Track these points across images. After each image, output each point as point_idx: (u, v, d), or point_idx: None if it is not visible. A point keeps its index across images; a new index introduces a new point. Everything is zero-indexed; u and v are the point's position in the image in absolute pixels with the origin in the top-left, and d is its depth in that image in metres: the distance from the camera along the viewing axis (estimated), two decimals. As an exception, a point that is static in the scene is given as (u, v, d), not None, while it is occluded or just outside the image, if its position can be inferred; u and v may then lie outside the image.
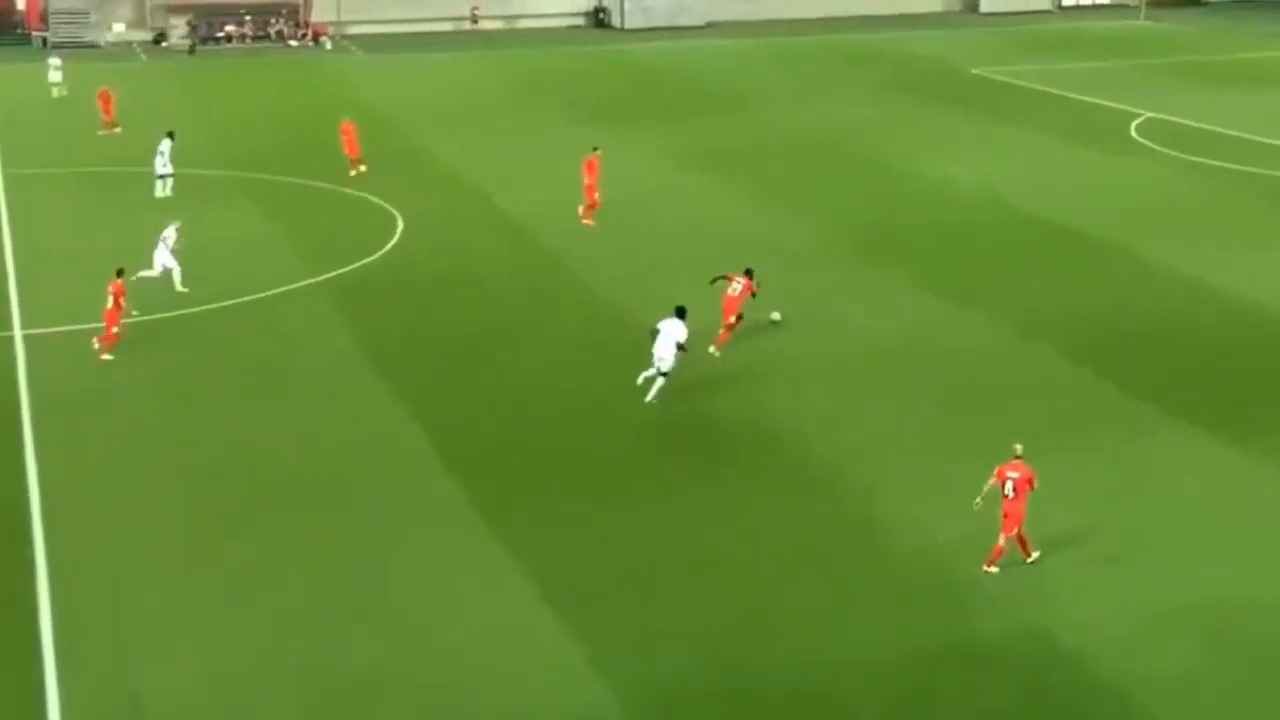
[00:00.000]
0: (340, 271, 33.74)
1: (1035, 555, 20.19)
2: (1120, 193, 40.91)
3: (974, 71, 62.61)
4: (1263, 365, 27.88)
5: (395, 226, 37.67)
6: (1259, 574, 20.07)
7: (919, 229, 37.32)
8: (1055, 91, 57.30)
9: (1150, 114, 51.93)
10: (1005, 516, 19.98)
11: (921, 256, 34.90)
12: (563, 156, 45.50)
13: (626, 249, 35.56)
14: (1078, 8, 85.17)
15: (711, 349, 27.96)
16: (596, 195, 37.45)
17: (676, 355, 25.48)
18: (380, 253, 35.39)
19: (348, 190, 41.57)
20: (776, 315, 29.82)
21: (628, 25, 77.91)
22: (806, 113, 53.14)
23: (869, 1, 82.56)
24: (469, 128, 51.04)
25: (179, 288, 31.59)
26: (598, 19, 79.67)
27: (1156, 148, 46.58)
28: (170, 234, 32.10)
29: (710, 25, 78.02)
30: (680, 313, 25.96)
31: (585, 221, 37.15)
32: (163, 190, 39.97)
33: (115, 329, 28.25)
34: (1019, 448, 20.29)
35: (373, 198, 40.63)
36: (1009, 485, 19.95)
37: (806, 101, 55.57)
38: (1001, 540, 20.07)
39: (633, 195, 40.11)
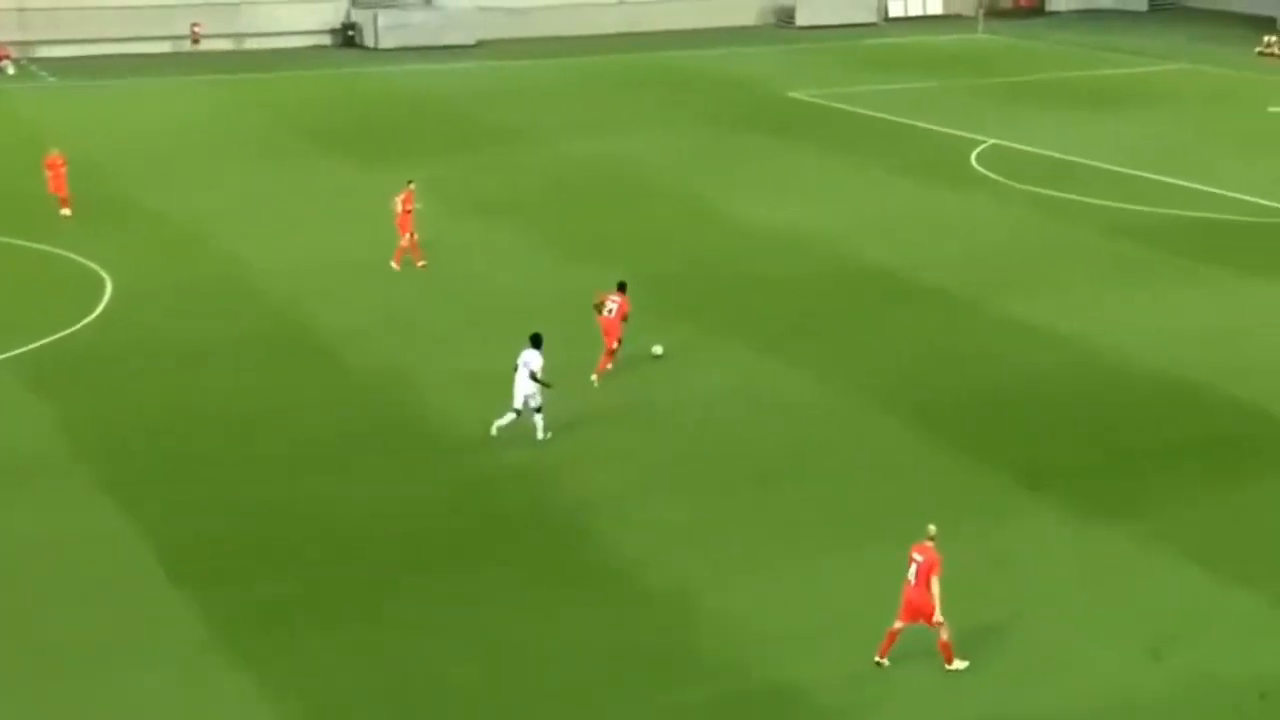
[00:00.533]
0: (31, 347, 32.63)
1: (957, 665, 20.36)
2: (962, 233, 41.96)
3: (791, 94, 63.90)
4: (1130, 424, 28.66)
5: (103, 291, 36.61)
6: (1127, 675, 20.46)
7: (735, 279, 37.67)
8: (885, 116, 58.77)
9: (992, 140, 53.60)
10: (904, 603, 20.23)
11: (738, 311, 35.14)
12: (305, 202, 44.85)
13: (394, 316, 35.09)
14: (907, 19, 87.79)
15: (593, 378, 30.08)
16: (412, 235, 38.21)
17: (535, 385, 27.32)
18: (83, 323, 34.33)
19: (41, 246, 40.28)
20: (658, 349, 31.64)
21: (383, 45, 77.65)
22: (599, 144, 53.49)
23: (668, 15, 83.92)
24: (191, 169, 50.03)
25: None
26: (346, 37, 79.19)
27: (1000, 179, 48.04)
28: None
29: (482, 44, 78.30)
30: (535, 341, 27.68)
31: (419, 264, 38.26)
32: None
33: None
34: (932, 528, 20.51)
35: (75, 256, 39.42)
36: (911, 569, 20.23)
37: (599, 131, 55.94)
38: (897, 625, 20.33)
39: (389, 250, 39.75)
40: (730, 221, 43.23)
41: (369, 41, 78.42)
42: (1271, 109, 60.05)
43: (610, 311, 30.44)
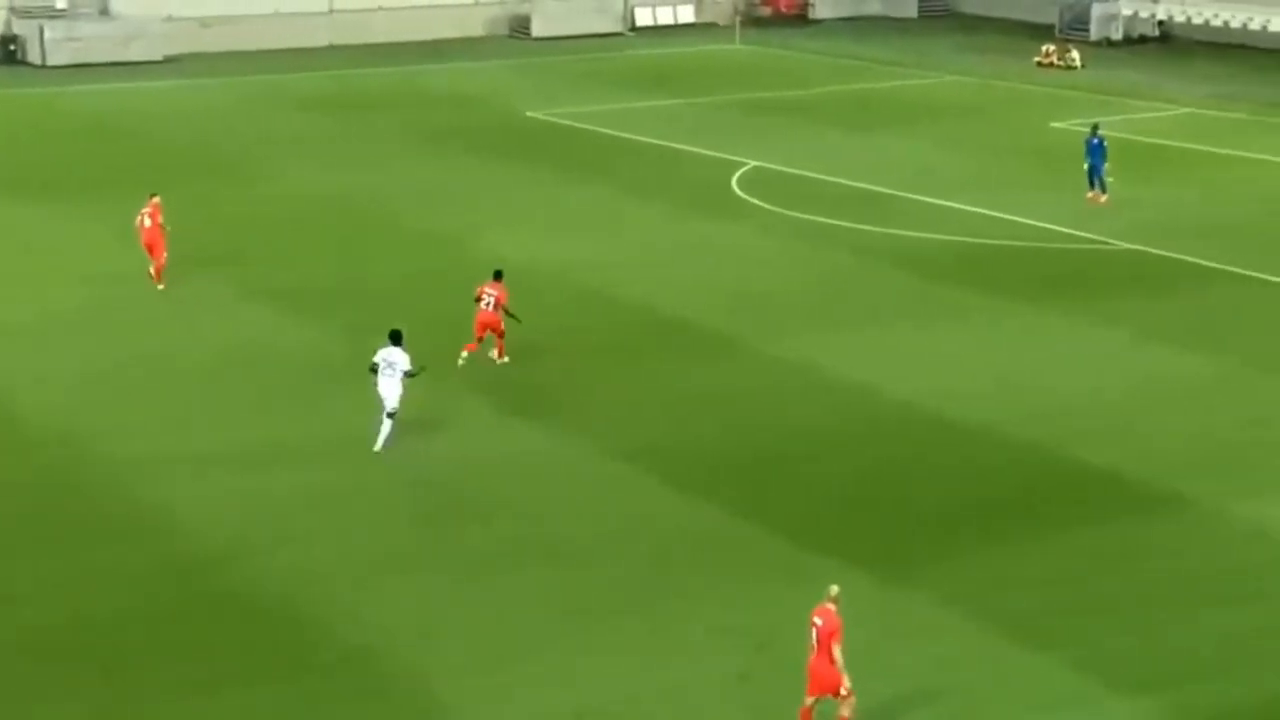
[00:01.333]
0: None
1: None
2: (725, 266, 42.45)
3: (530, 114, 64.06)
4: (913, 476, 29.26)
5: None
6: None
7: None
8: (635, 138, 59.27)
9: (755, 162, 54.43)
10: (809, 675, 20.33)
11: (481, 367, 35.11)
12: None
13: (87, 403, 34.12)
14: (656, 29, 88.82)
15: (462, 357, 33.62)
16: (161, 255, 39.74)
17: (405, 385, 29.32)
18: None
19: None
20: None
21: (52, 61, 75.72)
22: (319, 176, 52.81)
23: (388, 26, 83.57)
24: None
25: None
26: (7, 52, 77.06)
27: (765, 205, 48.76)
28: None
29: (172, 60, 76.88)
30: (395, 338, 29.71)
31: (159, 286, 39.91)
32: None
33: None
34: (833, 589, 20.59)
35: None
36: (812, 634, 20.33)
37: (317, 160, 55.30)
38: (807, 701, 20.43)
39: (85, 305, 38.66)
40: (473, 259, 42.97)
41: (34, 57, 76.35)
42: (1054, 124, 62.13)
43: (488, 305, 33.61)
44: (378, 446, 29.49)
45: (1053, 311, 38.42)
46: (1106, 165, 48.91)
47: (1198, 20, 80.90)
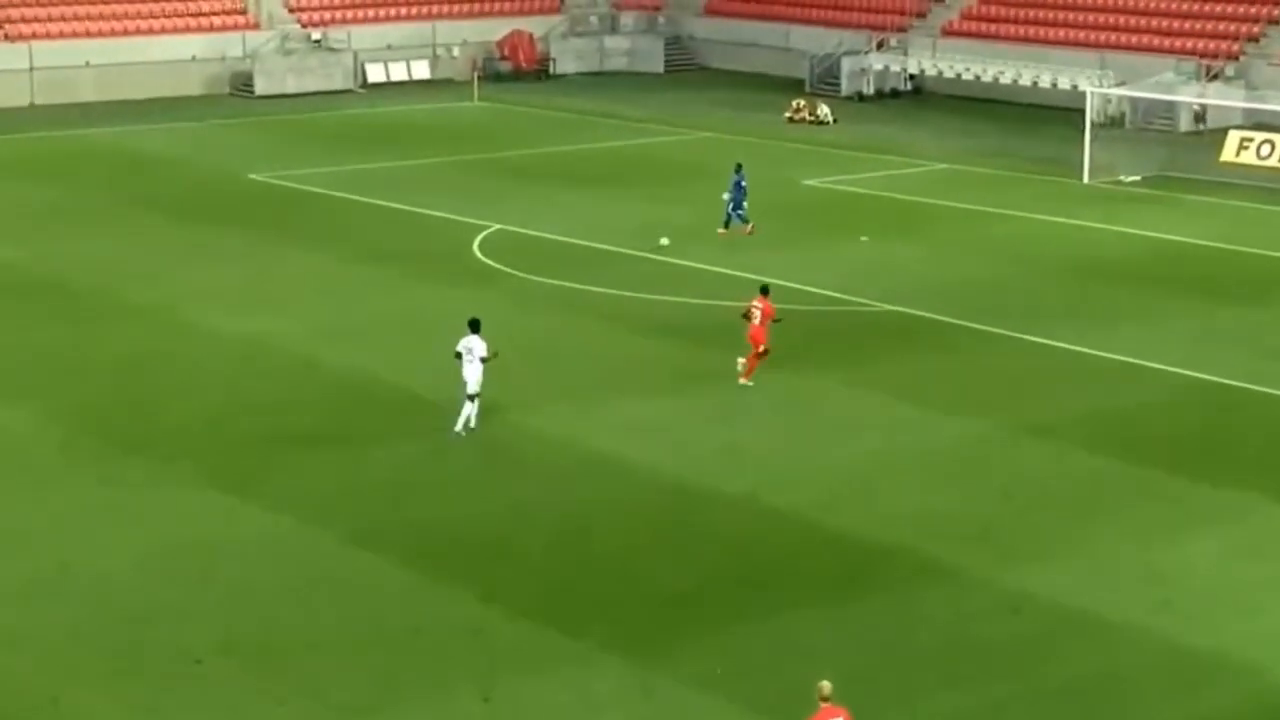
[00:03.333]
0: None
1: None
2: (456, 339, 42.32)
3: (254, 176, 63.48)
4: (665, 550, 29.43)
5: None
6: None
7: (195, 413, 37.15)
8: (369, 200, 59.03)
9: (497, 225, 54.58)
10: None
11: (198, 448, 34.68)
12: None
13: None
14: (389, 86, 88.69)
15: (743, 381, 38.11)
16: None
17: (485, 370, 33.95)
18: None
19: None
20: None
21: None
22: (13, 251, 51.67)
23: (98, 84, 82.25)
24: None
25: None
26: None
27: (508, 270, 48.89)
28: None
29: None
30: (475, 326, 34.68)
31: None
32: None
33: None
34: (825, 686, 20.69)
35: None
36: None
37: (11, 233, 54.10)
38: None
39: None
40: (194, 335, 42.44)
41: None
42: (806, 181, 63.37)
43: (756, 318, 37.93)
44: (458, 427, 34.38)
45: (808, 375, 39.10)
46: (746, 203, 53.34)
47: (949, 74, 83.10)
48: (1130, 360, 40.62)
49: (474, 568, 28.82)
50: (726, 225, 53.52)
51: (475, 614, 27.01)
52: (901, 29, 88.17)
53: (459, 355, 34.80)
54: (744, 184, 53.77)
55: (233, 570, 28.65)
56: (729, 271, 48.83)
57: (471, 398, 34.57)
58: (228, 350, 41.15)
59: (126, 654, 25.64)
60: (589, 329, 43.02)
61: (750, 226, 53.39)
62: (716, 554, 29.45)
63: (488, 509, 31.46)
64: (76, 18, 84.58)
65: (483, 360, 34.51)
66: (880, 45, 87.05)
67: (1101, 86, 73.60)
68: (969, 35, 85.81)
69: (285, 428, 35.82)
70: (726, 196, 53.88)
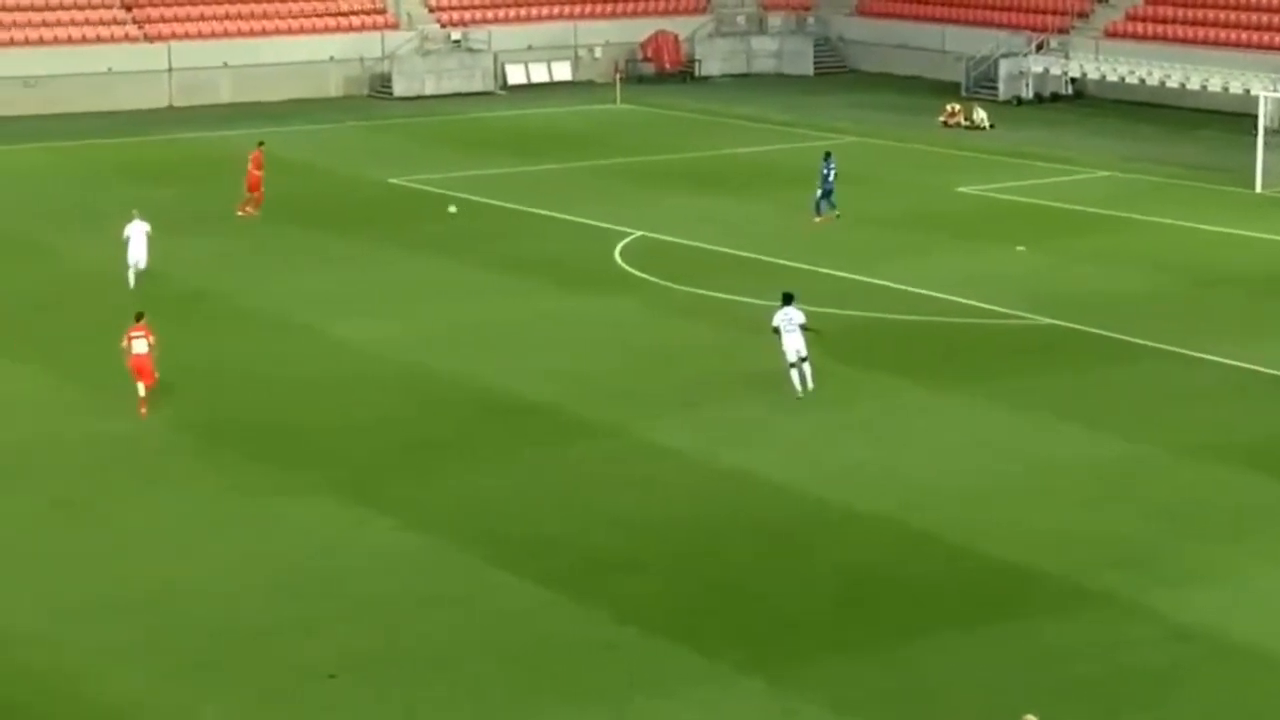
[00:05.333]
0: None
1: None
2: (608, 346, 42.70)
3: (393, 181, 64.06)
4: (801, 569, 29.35)
5: None
6: None
7: (323, 421, 37.61)
8: (509, 205, 59.40)
9: (640, 231, 54.73)
10: None
11: (325, 458, 35.07)
12: None
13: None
14: (530, 88, 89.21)
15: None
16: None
17: (806, 336, 37.92)
18: None
19: None
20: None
21: None
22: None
23: (236, 86, 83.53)
24: None
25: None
26: None
27: (651, 279, 49.01)
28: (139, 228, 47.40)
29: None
30: (789, 299, 38.57)
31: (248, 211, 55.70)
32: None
33: None
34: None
35: None
36: None
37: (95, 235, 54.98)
38: None
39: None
40: (325, 341, 42.93)
41: None
42: (961, 189, 62.98)
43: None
44: (800, 392, 37.71)
45: (955, 389, 38.87)
46: (831, 189, 56.44)
47: (1112, 78, 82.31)
48: (1290, 376, 40.05)
49: (605, 584, 28.93)
50: (824, 210, 56.57)
51: (609, 631, 27.11)
52: (1063, 30, 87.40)
53: (777, 330, 38.05)
54: (831, 175, 56.50)
55: (359, 583, 28.97)
56: (874, 281, 48.66)
57: (797, 363, 37.83)
58: (359, 358, 41.63)
59: (254, 668, 26.01)
60: (727, 339, 42.99)
61: (829, 216, 56.24)
62: (855, 575, 29.38)
63: (619, 524, 31.56)
64: (215, 17, 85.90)
65: (802, 327, 37.87)
66: (1040, 47, 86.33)
67: (1275, 90, 72.42)
68: (1134, 36, 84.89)
69: (415, 438, 36.17)
70: (820, 187, 56.74)
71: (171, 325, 42.27)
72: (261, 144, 58.55)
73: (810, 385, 37.99)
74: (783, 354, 38.06)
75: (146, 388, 37.09)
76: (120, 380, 37.74)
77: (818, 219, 56.37)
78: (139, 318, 38.02)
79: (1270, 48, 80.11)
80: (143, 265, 47.86)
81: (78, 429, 36.59)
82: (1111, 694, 25.19)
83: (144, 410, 36.93)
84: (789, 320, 38.06)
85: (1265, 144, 63.45)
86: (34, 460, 34.80)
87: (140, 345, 37.15)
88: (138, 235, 48.04)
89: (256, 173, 57.14)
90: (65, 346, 42.63)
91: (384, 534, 31.07)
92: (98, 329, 43.98)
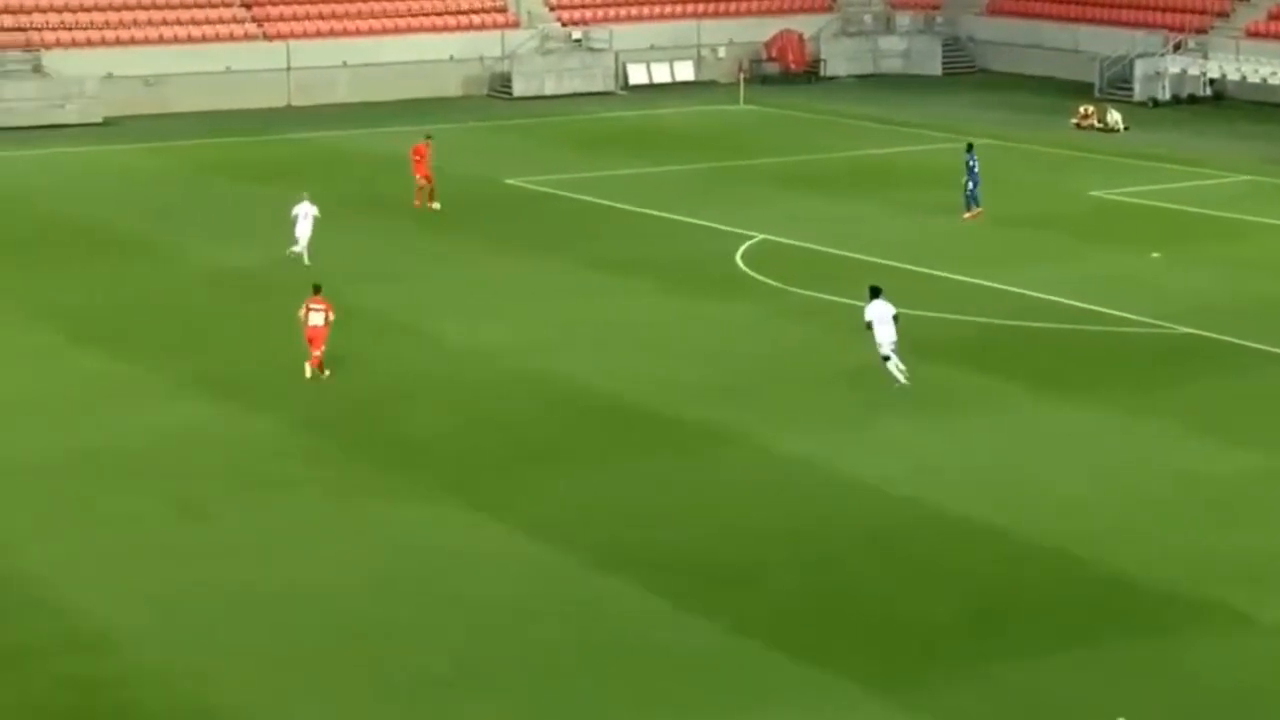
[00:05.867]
0: None
1: None
2: (727, 351, 42.63)
3: (510, 182, 64.29)
4: (927, 584, 29.16)
5: None
6: None
7: (435, 424, 37.67)
8: (627, 208, 59.44)
9: (761, 235, 54.60)
10: None
11: (452, 457, 35.07)
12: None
13: None
14: (652, 88, 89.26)
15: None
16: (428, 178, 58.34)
17: (897, 327, 38.85)
18: None
19: None
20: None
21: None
22: (255, 250, 52.93)
23: (355, 85, 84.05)
24: None
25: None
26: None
27: (771, 282, 48.86)
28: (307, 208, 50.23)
29: (111, 122, 77.18)
30: (876, 292, 39.28)
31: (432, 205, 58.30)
32: None
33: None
34: None
35: None
36: None
37: (253, 237, 55.43)
38: None
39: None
40: (438, 344, 43.12)
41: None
42: (1093, 192, 62.38)
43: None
44: (901, 382, 38.74)
45: (1085, 401, 38.48)
46: (977, 185, 56.78)
47: (1254, 78, 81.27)
48: None
49: (721, 594, 28.83)
50: (969, 208, 56.91)
51: (724, 643, 27.03)
52: (1201, 30, 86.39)
53: (869, 325, 38.98)
54: (976, 167, 56.88)
55: (470, 588, 29.04)
56: (1002, 286, 48.29)
57: (892, 354, 38.82)
58: (472, 360, 41.81)
59: (363, 671, 26.12)
60: (848, 345, 42.72)
61: (976, 211, 56.60)
62: (977, 588, 29.13)
63: (735, 533, 31.44)
64: (335, 16, 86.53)
65: (894, 319, 38.85)
66: (1178, 47, 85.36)
67: None
68: (1277, 37, 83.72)
69: (526, 442, 36.25)
70: (968, 181, 56.93)
71: (286, 324, 42.63)
72: (429, 137, 60.11)
73: (904, 370, 38.91)
74: (877, 346, 38.81)
75: (316, 358, 39.60)
76: (238, 380, 38.09)
77: (967, 215, 56.68)
78: (317, 290, 40.29)
79: None
80: (301, 247, 50.17)
81: (197, 429, 36.87)
82: (1242, 713, 24.80)
83: (311, 369, 39.63)
84: (881, 315, 38.86)
85: None
86: (154, 461, 35.09)
87: (317, 318, 39.73)
88: (305, 216, 50.48)
89: (420, 160, 58.72)
90: (183, 347, 42.96)
91: (496, 539, 31.13)
92: (217, 330, 44.58)
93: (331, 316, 39.67)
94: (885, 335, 38.83)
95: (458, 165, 67.51)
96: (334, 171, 66.32)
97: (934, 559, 30.34)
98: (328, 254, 51.84)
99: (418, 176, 58.82)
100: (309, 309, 39.77)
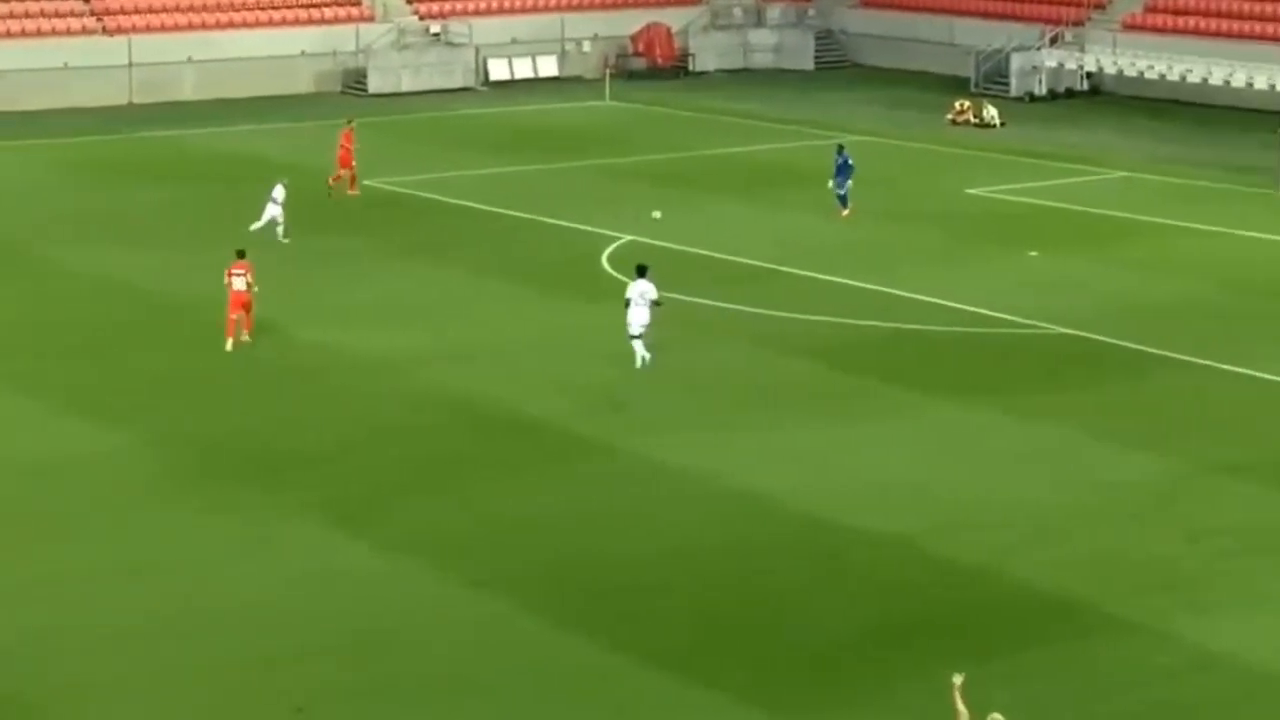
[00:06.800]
0: None
1: None
2: (592, 356, 42.42)
3: (367, 182, 63.73)
4: (821, 597, 29.06)
5: None
6: None
7: (306, 438, 37.23)
8: (490, 209, 59.14)
9: (629, 236, 54.47)
10: None
11: (313, 478, 34.82)
12: None
13: None
14: (514, 84, 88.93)
15: None
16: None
17: (653, 311, 40.17)
18: None
19: None
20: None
21: None
22: (102, 257, 52.37)
23: (201, 82, 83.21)
24: None
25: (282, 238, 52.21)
26: None
27: (639, 285, 48.72)
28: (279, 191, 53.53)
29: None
30: (643, 271, 40.82)
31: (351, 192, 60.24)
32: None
33: None
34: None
35: None
36: None
37: (100, 240, 54.77)
38: None
39: None
40: (301, 349, 42.66)
41: None
42: (970, 190, 62.74)
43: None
44: (638, 364, 40.18)
45: (970, 404, 38.66)
46: (849, 182, 56.93)
47: (1130, 72, 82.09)
48: (1334, 391, 39.76)
49: (605, 612, 28.72)
50: (845, 205, 57.20)
51: (604, 661, 26.95)
52: (1078, 22, 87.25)
53: (628, 302, 40.22)
54: (849, 163, 57.28)
55: (343, 610, 28.76)
56: (878, 288, 48.49)
57: (640, 336, 40.03)
58: (341, 370, 41.43)
59: (234, 699, 25.82)
60: (729, 350, 42.76)
61: (848, 211, 56.85)
62: (873, 601, 29.15)
63: (621, 548, 31.32)
64: (179, 9, 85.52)
65: (654, 304, 40.13)
66: (1054, 40, 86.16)
67: (1302, 86, 72.39)
68: (1154, 29, 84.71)
69: (406, 456, 35.99)
70: (832, 184, 57.09)
71: (152, 339, 42.26)
72: (351, 121, 63.35)
73: (648, 357, 40.31)
74: (627, 326, 40.27)
75: (233, 320, 41.98)
76: (108, 396, 37.57)
77: (845, 212, 57.01)
78: (240, 255, 42.75)
79: (1297, 41, 79.89)
80: (259, 225, 53.73)
81: (63, 450, 36.21)
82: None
83: (232, 339, 42.08)
84: (641, 295, 40.25)
85: (1291, 143, 63.30)
86: (18, 484, 34.52)
87: (239, 283, 42.10)
88: (276, 198, 54.00)
89: (347, 147, 60.91)
90: (45, 363, 42.27)
91: (375, 559, 30.77)
92: (80, 344, 43.85)
93: (253, 281, 41.92)
94: (637, 318, 40.20)
95: (311, 164, 66.98)
96: (180, 171, 65.60)
97: (832, 572, 30.35)
98: (177, 261, 51.31)
99: (340, 165, 60.96)
100: (231, 275, 41.90)
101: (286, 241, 52.96)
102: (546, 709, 25.54)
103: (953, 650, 27.18)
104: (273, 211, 54.01)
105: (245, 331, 42.41)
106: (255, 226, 53.58)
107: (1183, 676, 26.52)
